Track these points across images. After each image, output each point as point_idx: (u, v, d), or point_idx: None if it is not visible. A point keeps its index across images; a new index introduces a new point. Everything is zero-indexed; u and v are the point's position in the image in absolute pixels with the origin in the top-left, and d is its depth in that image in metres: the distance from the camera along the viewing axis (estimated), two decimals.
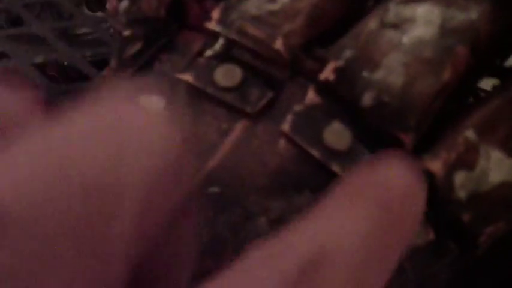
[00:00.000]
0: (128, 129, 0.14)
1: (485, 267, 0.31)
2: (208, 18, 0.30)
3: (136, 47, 0.32)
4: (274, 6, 0.29)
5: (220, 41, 0.30)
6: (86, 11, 0.45)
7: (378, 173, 0.20)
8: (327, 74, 0.28)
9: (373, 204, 0.16)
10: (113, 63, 0.34)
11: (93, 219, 0.13)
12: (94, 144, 0.13)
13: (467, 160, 0.27)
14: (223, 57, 0.29)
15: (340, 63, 0.28)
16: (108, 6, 0.34)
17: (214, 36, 0.30)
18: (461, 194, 0.27)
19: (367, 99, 0.27)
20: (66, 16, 0.46)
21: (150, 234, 0.15)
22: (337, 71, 0.28)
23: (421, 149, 0.28)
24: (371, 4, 0.32)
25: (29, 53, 0.42)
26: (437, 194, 0.27)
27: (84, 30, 0.45)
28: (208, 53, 0.30)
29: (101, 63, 0.44)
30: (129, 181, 0.13)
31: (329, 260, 0.14)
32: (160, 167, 0.15)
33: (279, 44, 0.28)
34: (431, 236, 0.28)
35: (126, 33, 0.34)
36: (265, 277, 0.14)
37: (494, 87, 0.33)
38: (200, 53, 0.30)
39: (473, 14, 0.29)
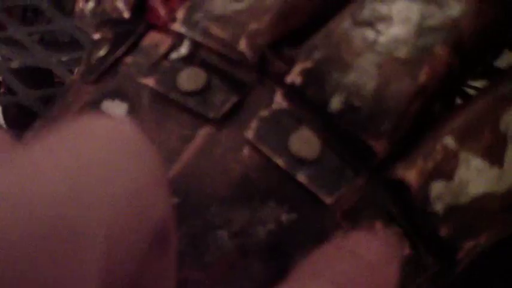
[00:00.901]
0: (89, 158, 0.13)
1: (468, 284, 0.29)
2: (174, 18, 0.28)
3: (103, 50, 0.30)
4: (241, 5, 0.27)
5: (186, 43, 0.28)
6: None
7: (346, 247, 0.19)
8: (294, 76, 0.26)
9: (339, 278, 0.17)
10: (81, 66, 0.33)
11: (57, 260, 0.12)
12: (54, 180, 0.12)
13: (445, 169, 0.25)
14: (189, 60, 0.28)
15: (308, 64, 0.26)
16: (76, 8, 0.32)
17: (180, 37, 0.28)
18: (438, 206, 0.25)
19: (336, 102, 0.25)
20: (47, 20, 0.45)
21: (121, 269, 0.14)
22: (305, 73, 0.26)
23: (396, 156, 0.26)
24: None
25: (5, 57, 0.41)
26: (413, 206, 0.25)
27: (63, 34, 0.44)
28: (174, 55, 0.28)
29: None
30: (94, 217, 0.12)
31: None
32: (125, 198, 0.14)
33: (243, 45, 0.26)
34: (408, 250, 0.26)
35: (96, 36, 0.33)
36: None
37: (479, 89, 0.31)
38: (165, 56, 0.28)
39: (455, 10, 0.27)
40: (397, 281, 0.24)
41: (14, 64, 0.39)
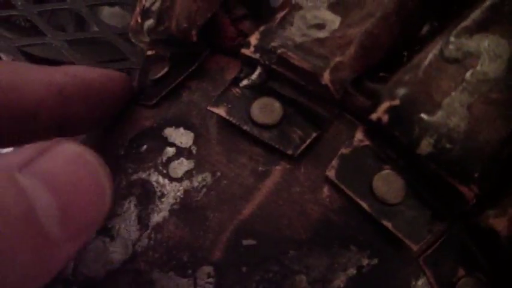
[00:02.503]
0: None
1: None
2: (245, 42, 0.27)
3: (162, 70, 0.29)
4: (322, 34, 0.26)
5: (258, 70, 0.26)
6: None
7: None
8: (380, 114, 0.25)
9: None
10: (134, 84, 0.31)
11: None
12: None
13: None
14: (261, 88, 0.26)
15: (395, 102, 0.24)
16: (131, 22, 0.30)
17: (251, 63, 0.27)
18: None
19: (426, 145, 0.24)
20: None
21: None
22: (392, 110, 0.24)
23: (486, 202, 0.24)
24: (425, 32, 0.29)
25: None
26: (500, 255, 0.24)
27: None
28: (244, 82, 0.26)
29: None
30: None
31: None
32: None
33: (326, 78, 0.25)
34: None
35: (149, 52, 0.31)
36: None
37: None
38: (234, 82, 0.27)
39: None
40: None
41: (23, 42, 0.38)
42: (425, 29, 0.29)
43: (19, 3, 0.41)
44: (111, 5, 0.43)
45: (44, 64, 0.42)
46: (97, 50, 0.42)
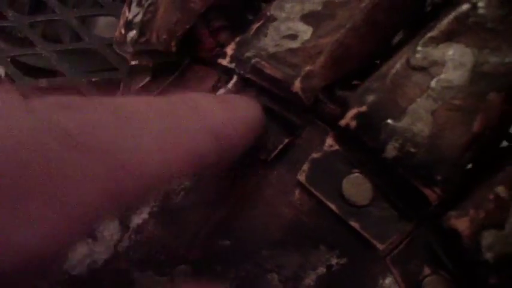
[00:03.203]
0: None
1: None
2: (222, 53, 0.28)
3: (145, 79, 0.30)
4: (294, 44, 0.27)
5: (234, 79, 0.28)
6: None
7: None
8: (348, 120, 0.26)
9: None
10: (119, 94, 0.32)
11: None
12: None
13: (496, 219, 0.25)
14: None
15: (362, 108, 0.26)
16: (116, 33, 0.32)
17: (227, 72, 0.28)
18: (489, 255, 0.25)
19: (391, 149, 0.25)
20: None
21: None
22: (360, 117, 0.26)
23: (448, 204, 0.26)
24: (397, 41, 0.30)
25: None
26: (463, 254, 0.25)
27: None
28: (221, 91, 0.28)
29: None
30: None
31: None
32: None
33: (297, 87, 0.26)
34: None
35: (134, 62, 0.32)
36: None
37: None
38: (212, 91, 0.28)
39: (508, 57, 0.26)
40: None
41: (14, 52, 0.39)
42: (398, 38, 0.31)
43: (10, 14, 0.43)
44: (101, 16, 0.45)
45: (36, 73, 0.43)
46: (87, 60, 0.44)
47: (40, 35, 0.47)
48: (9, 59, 0.41)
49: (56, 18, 0.42)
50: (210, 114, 0.21)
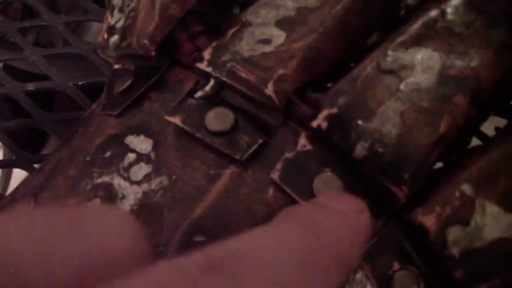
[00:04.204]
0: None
1: None
2: (200, 57, 0.29)
3: (126, 82, 0.31)
4: (268, 48, 0.28)
5: (211, 82, 0.29)
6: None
7: (319, 203, 0.20)
8: (320, 121, 0.27)
9: (302, 228, 0.18)
10: (103, 96, 0.33)
11: None
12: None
13: (462, 215, 0.26)
14: (214, 99, 0.29)
15: (333, 110, 0.27)
16: (99, 38, 0.33)
17: (205, 76, 0.29)
18: (454, 250, 0.26)
19: (360, 149, 0.26)
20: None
21: None
22: (331, 118, 0.27)
23: (416, 201, 0.27)
24: (369, 44, 0.31)
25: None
26: (430, 249, 0.26)
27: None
28: (199, 93, 0.29)
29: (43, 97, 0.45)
30: None
31: (243, 263, 0.16)
32: None
33: (270, 90, 0.27)
34: None
35: (116, 66, 0.33)
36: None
37: (497, 131, 0.32)
38: (191, 93, 0.29)
39: (474, 61, 0.28)
40: None
41: (3, 57, 0.40)
42: (371, 41, 0.32)
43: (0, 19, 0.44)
44: (89, 21, 0.46)
45: (26, 77, 0.44)
46: (74, 64, 0.45)
47: (33, 41, 0.48)
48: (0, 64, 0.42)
49: (44, 24, 0.43)
50: (334, 238, 0.19)
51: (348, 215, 0.21)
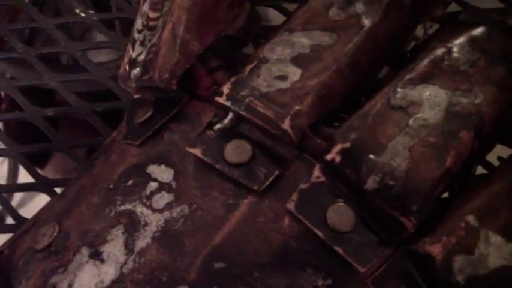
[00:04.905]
0: None
1: None
2: (219, 91, 0.31)
3: (147, 113, 0.33)
4: (284, 84, 0.30)
5: (230, 116, 0.30)
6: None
7: None
8: (333, 155, 0.29)
9: None
10: (123, 125, 0.35)
11: None
12: None
13: (467, 244, 0.28)
14: (232, 132, 0.30)
15: (346, 145, 0.28)
16: (121, 70, 0.34)
17: (223, 109, 0.31)
18: (460, 277, 0.28)
19: (372, 182, 0.28)
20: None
21: None
22: (343, 152, 0.28)
23: (423, 231, 0.28)
24: (378, 78, 0.33)
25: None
26: (436, 277, 0.28)
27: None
28: (218, 126, 0.30)
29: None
30: None
31: None
32: None
33: (287, 124, 0.29)
34: None
35: (136, 96, 0.35)
36: None
37: (500, 160, 0.34)
38: (210, 126, 0.31)
39: (478, 98, 0.29)
40: None
41: (23, 82, 0.42)
42: (381, 76, 0.33)
43: (19, 46, 0.46)
44: (105, 48, 0.47)
45: (43, 95, 0.46)
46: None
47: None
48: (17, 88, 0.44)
49: (61, 50, 0.44)
50: None
51: None
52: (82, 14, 0.47)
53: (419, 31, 0.33)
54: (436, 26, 0.34)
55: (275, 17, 0.46)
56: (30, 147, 0.43)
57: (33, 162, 0.45)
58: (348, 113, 0.30)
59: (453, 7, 0.37)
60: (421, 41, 0.34)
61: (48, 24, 0.46)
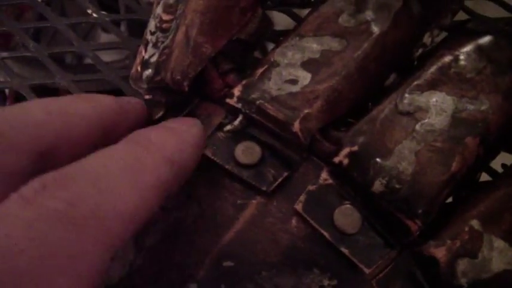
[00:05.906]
0: None
1: None
2: (230, 93, 0.31)
3: (158, 113, 0.33)
4: (295, 88, 0.30)
5: (240, 117, 0.31)
6: None
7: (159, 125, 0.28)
8: (341, 158, 0.29)
9: (134, 143, 0.25)
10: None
11: None
12: None
13: (470, 248, 0.28)
14: (242, 134, 0.31)
15: (354, 148, 0.29)
16: (132, 71, 0.35)
17: (234, 111, 0.31)
18: (463, 280, 0.28)
19: (378, 185, 0.28)
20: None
21: None
22: (351, 155, 0.29)
23: (429, 234, 0.29)
24: (386, 85, 0.33)
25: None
26: (440, 279, 0.29)
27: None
28: (228, 127, 0.31)
29: None
30: None
31: (72, 176, 0.21)
32: None
33: (296, 127, 0.29)
34: None
35: (147, 97, 0.35)
36: None
37: (504, 167, 0.34)
38: (219, 127, 0.31)
39: (484, 105, 0.30)
40: None
41: (35, 81, 0.42)
42: (388, 82, 0.34)
43: (31, 45, 0.46)
44: (116, 49, 0.48)
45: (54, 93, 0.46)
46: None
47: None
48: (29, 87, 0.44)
49: (73, 50, 0.45)
50: (161, 146, 0.25)
51: (176, 129, 0.27)
52: (94, 15, 0.48)
53: (427, 39, 0.34)
54: (443, 34, 0.34)
55: (280, 21, 0.47)
56: None
57: None
58: (355, 119, 0.31)
59: (461, 16, 0.38)
60: (428, 48, 0.34)
61: (62, 25, 0.47)
